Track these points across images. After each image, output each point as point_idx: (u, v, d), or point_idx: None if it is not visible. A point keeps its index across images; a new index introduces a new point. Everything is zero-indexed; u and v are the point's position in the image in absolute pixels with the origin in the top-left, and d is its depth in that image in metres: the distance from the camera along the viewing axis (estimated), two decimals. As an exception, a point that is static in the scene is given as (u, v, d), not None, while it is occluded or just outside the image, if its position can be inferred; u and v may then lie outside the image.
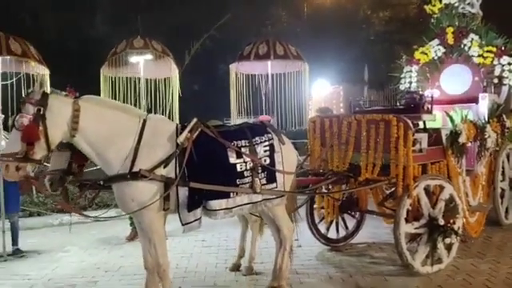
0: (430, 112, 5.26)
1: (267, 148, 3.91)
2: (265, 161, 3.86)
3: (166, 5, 15.88)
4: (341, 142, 4.98)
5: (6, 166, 3.22)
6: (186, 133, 3.56)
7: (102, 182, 3.72)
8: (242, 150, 3.77)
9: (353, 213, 5.78)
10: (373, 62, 16.19)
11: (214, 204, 3.61)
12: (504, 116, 6.30)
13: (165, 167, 3.46)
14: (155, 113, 7.85)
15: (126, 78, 7.52)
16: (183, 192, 3.50)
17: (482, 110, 6.11)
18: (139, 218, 3.58)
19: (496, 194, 6.15)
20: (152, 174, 3.39)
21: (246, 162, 3.75)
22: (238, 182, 3.71)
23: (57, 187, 3.66)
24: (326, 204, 5.56)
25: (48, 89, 3.32)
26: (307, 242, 5.47)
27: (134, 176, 3.38)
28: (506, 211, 6.41)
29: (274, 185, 3.90)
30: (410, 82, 7.01)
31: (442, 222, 4.55)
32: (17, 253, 5.69)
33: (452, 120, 5.45)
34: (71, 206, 4.00)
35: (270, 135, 3.97)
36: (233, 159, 3.72)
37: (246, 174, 3.74)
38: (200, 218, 3.59)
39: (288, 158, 4.02)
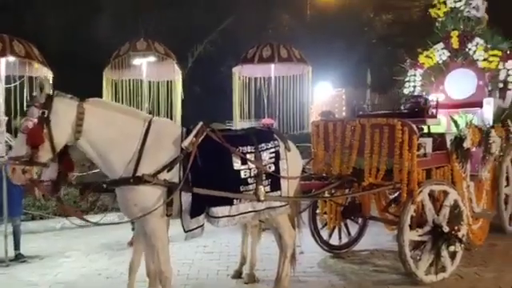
0: (434, 116, 5.23)
1: (273, 155, 3.86)
2: (270, 168, 3.82)
3: (168, 8, 15.85)
4: (344, 146, 4.95)
5: (12, 169, 3.25)
6: (191, 137, 3.53)
7: (104, 186, 3.70)
8: (247, 156, 3.72)
9: (355, 219, 5.74)
10: (376, 66, 16.11)
11: (217, 211, 3.57)
12: (509, 121, 6.26)
13: (168, 172, 3.43)
14: (158, 116, 7.82)
15: (129, 80, 7.51)
16: (186, 198, 3.47)
17: (486, 114, 6.08)
18: (142, 224, 3.55)
19: (500, 200, 6.10)
20: (155, 179, 3.36)
21: (250, 169, 3.71)
22: (241, 188, 3.67)
23: (50, 195, 3.75)
24: (329, 209, 5.51)
25: (50, 91, 3.31)
26: (309, 249, 5.42)
27: (137, 180, 3.35)
28: (510, 218, 6.35)
29: (278, 193, 3.86)
30: (414, 86, 6.99)
31: (446, 229, 4.49)
32: (19, 257, 5.65)
33: (457, 125, 5.41)
34: (73, 209, 3.98)
35: (276, 142, 3.93)
36: (237, 165, 3.68)
37: (250, 180, 3.70)
38: (203, 224, 3.55)
39: (293, 165, 3.99)
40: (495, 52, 6.27)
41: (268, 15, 18.28)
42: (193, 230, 3.50)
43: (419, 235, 4.57)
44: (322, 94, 14.75)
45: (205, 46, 12.51)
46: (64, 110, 3.27)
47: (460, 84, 6.57)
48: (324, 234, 5.59)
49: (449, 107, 6.32)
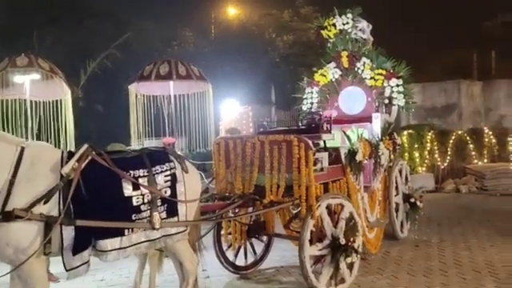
0: (329, 132, 5.44)
1: (168, 178, 3.62)
2: (165, 192, 3.58)
3: (64, 22, 14.85)
4: (245, 163, 4.91)
5: None
6: (72, 162, 3.18)
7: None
8: (140, 180, 3.44)
9: (260, 237, 5.71)
10: (279, 84, 16.72)
11: (105, 244, 3.23)
12: (395, 134, 6.79)
13: (46, 203, 3.04)
14: (47, 139, 7.10)
15: (10, 100, 6.74)
16: (68, 232, 3.09)
17: (375, 128, 6.47)
18: (16, 265, 3.08)
19: (391, 209, 6.54)
20: (29, 213, 2.95)
21: (143, 195, 3.44)
22: (133, 217, 3.38)
23: None
24: (233, 229, 5.41)
25: None
26: (215, 272, 5.24)
27: (7, 216, 2.92)
28: (402, 225, 6.84)
29: (176, 218, 3.63)
30: (312, 103, 7.24)
31: (343, 241, 4.63)
32: None
33: (349, 139, 5.68)
34: None
35: (172, 163, 3.70)
36: (128, 191, 3.38)
37: (143, 207, 3.42)
38: (88, 261, 3.20)
39: (191, 187, 3.78)
40: (380, 71, 6.75)
41: (173, 31, 18.11)
42: (76, 267, 3.12)
43: (319, 249, 4.65)
44: (230, 111, 14.84)
45: (102, 62, 11.84)
46: None
47: (351, 101, 6.93)
48: (230, 254, 5.46)
49: (342, 122, 6.63)
